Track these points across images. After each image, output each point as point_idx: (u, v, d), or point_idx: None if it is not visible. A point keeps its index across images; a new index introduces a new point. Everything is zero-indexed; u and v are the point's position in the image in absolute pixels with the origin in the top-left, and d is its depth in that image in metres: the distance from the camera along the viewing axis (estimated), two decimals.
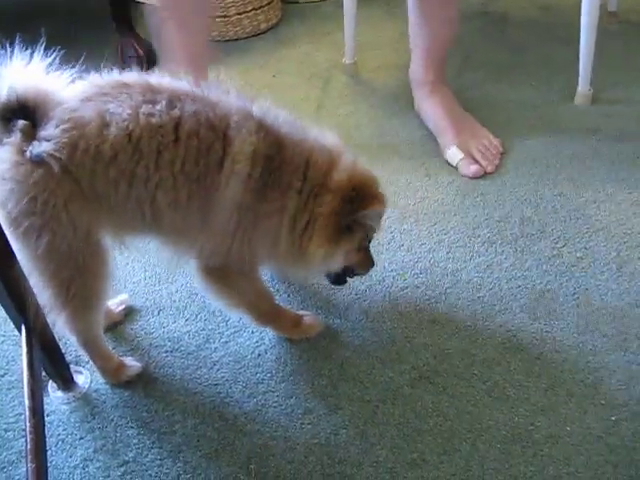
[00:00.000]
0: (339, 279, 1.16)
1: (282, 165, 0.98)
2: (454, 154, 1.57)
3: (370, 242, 1.11)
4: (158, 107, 0.93)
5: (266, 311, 1.18)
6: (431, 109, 1.68)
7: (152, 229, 1.03)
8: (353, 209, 0.99)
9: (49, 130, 0.90)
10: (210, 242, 1.02)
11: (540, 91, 1.79)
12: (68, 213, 0.91)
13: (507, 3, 2.25)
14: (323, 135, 1.05)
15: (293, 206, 0.99)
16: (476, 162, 1.55)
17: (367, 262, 1.14)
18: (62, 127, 0.90)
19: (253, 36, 2.30)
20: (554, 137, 1.61)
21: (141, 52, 2.17)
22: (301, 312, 1.23)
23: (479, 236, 1.36)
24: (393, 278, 1.29)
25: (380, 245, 1.36)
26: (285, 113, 1.03)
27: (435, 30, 1.62)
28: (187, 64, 1.47)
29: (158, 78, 0.98)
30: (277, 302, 1.21)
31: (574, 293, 1.21)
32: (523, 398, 1.06)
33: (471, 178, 1.53)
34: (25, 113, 0.90)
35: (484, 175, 1.52)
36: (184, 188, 0.95)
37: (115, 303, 1.27)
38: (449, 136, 1.61)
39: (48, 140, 0.89)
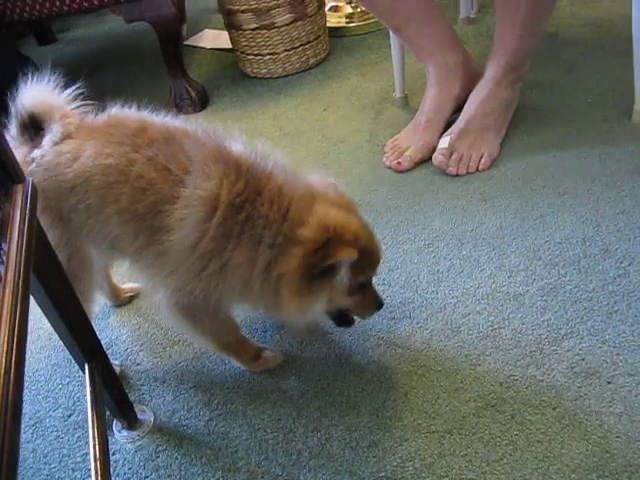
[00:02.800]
0: (340, 322, 1.15)
1: (254, 217, 0.97)
2: (443, 142, 1.65)
3: (369, 284, 1.09)
4: (122, 149, 1.02)
5: (228, 344, 1.19)
6: (471, 98, 1.70)
7: (116, 256, 1.18)
8: (318, 260, 0.96)
9: (40, 148, 1.07)
10: (172, 280, 1.04)
11: (595, 109, 1.75)
12: (43, 222, 0.94)
13: (557, 22, 2.23)
14: (315, 181, 1.06)
15: (265, 260, 0.98)
16: (448, 159, 1.63)
17: (366, 305, 1.11)
18: (45, 153, 1.06)
19: (302, 71, 2.32)
20: (612, 154, 1.57)
21: (193, 94, 2.22)
22: (262, 345, 1.23)
23: (540, 258, 1.32)
24: (454, 305, 1.26)
25: (439, 273, 1.34)
26: (280, 159, 1.04)
27: (515, 34, 1.62)
28: (432, 54, 1.73)
29: (161, 121, 1.08)
30: (242, 333, 1.22)
31: None
32: (596, 424, 1.02)
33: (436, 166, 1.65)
34: (35, 123, 1.08)
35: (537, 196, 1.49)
36: (130, 223, 1.02)
37: (129, 287, 1.44)
38: (456, 128, 1.66)
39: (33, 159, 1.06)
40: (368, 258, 1.04)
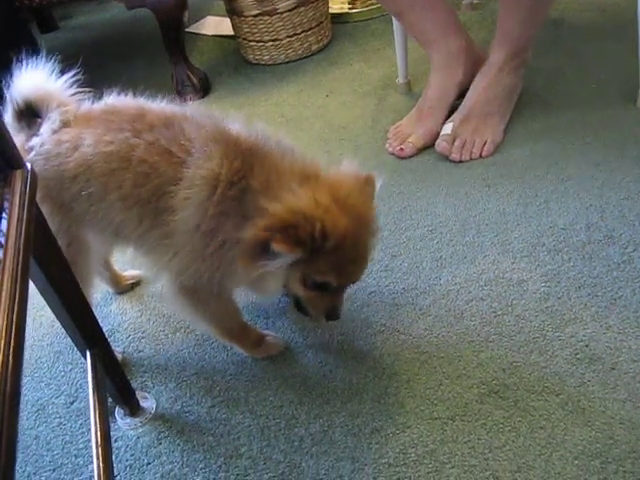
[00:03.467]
0: (296, 304, 1.12)
1: (246, 191, 0.96)
2: (446, 128, 1.65)
3: (335, 290, 1.06)
4: (123, 135, 1.01)
5: (230, 329, 1.18)
6: (473, 84, 1.69)
7: (119, 243, 1.16)
8: (261, 238, 0.93)
9: (39, 137, 1.06)
10: (176, 262, 1.03)
11: (600, 94, 1.74)
12: (43, 210, 0.92)
13: (561, 7, 2.21)
14: (344, 170, 1.04)
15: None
16: (451, 145, 1.62)
17: (318, 306, 1.08)
18: (44, 141, 1.06)
19: (304, 57, 2.31)
20: (617, 139, 1.56)
21: (195, 81, 2.21)
22: (264, 332, 1.23)
23: (544, 245, 1.31)
24: (457, 292, 1.26)
25: (442, 259, 1.33)
26: (286, 141, 1.04)
27: (519, 19, 1.61)
28: (436, 39, 1.71)
29: (158, 107, 1.08)
30: (245, 320, 1.21)
31: None
32: (599, 411, 1.01)
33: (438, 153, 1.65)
34: (32, 111, 1.07)
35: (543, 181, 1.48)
36: (134, 209, 1.02)
37: (130, 274, 1.44)
38: (459, 115, 1.66)
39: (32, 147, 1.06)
40: (334, 263, 0.98)
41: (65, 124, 1.06)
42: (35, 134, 1.07)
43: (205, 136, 1.00)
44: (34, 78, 1.08)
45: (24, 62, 1.07)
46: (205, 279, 1.02)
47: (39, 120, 1.08)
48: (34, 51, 1.11)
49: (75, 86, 1.12)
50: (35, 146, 1.06)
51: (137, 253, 1.14)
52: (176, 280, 1.07)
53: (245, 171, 0.97)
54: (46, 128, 1.06)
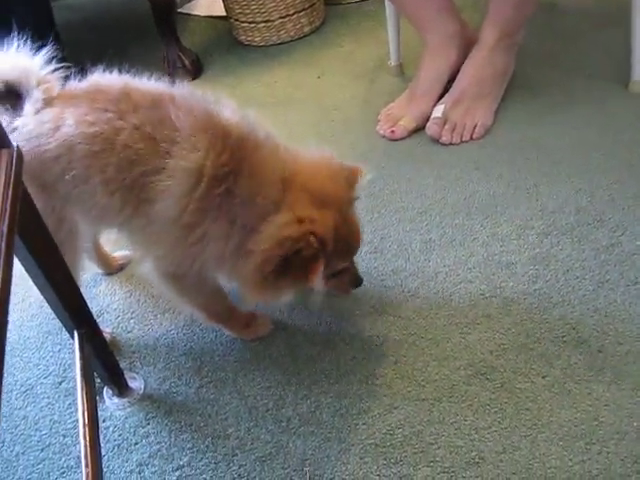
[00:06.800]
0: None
1: (232, 192, 0.96)
2: (437, 110, 1.64)
3: (346, 268, 1.09)
4: (106, 116, 0.98)
5: (217, 312, 1.19)
6: (465, 65, 1.67)
7: (104, 225, 1.17)
8: (280, 267, 0.96)
9: (22, 117, 1.03)
10: (156, 249, 1.04)
11: (592, 79, 1.73)
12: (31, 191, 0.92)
13: None
14: (312, 158, 1.04)
15: (237, 240, 0.97)
16: (441, 128, 1.62)
17: (342, 286, 1.13)
18: (27, 122, 1.02)
19: (297, 39, 2.30)
20: (608, 124, 1.56)
21: (186, 62, 2.19)
22: (253, 313, 1.23)
23: (533, 228, 1.32)
24: (446, 274, 1.26)
25: (432, 241, 1.33)
26: (271, 131, 1.03)
27: (512, 3, 1.60)
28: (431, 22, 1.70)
29: (145, 86, 1.05)
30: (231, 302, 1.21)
31: (635, 282, 1.16)
32: (585, 393, 1.02)
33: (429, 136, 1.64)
34: (12, 91, 1.04)
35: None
36: (117, 194, 1.00)
37: (120, 255, 1.43)
38: (450, 97, 1.65)
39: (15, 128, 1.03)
40: (341, 253, 1.03)
41: (48, 103, 1.04)
42: (19, 114, 1.04)
43: (193, 123, 0.97)
44: (9, 58, 1.04)
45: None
46: (185, 268, 1.03)
47: (22, 100, 1.05)
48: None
49: (54, 62, 1.08)
50: (19, 127, 1.03)
51: (121, 235, 1.14)
52: (158, 265, 1.07)
53: (232, 166, 0.95)
54: (29, 108, 1.04)
